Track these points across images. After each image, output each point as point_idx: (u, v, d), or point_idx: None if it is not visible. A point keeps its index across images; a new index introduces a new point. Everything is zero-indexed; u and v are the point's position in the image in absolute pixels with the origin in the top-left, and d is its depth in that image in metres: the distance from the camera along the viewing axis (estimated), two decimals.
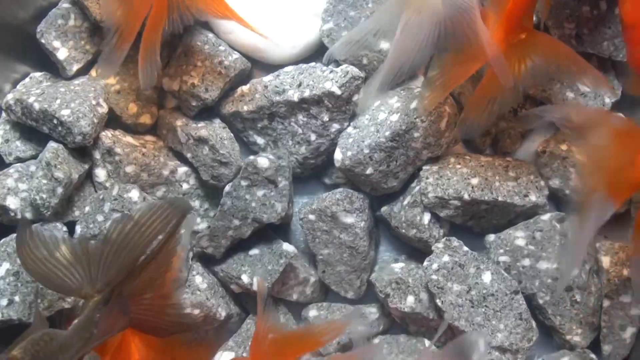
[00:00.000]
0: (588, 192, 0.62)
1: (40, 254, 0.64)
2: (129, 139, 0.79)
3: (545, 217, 0.75)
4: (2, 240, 0.75)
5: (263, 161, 0.75)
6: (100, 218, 0.74)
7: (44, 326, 0.64)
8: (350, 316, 0.76)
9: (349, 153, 0.75)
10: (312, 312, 0.77)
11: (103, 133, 0.77)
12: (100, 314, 0.60)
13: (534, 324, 0.72)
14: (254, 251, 0.76)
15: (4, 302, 0.72)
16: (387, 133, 0.74)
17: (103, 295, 0.61)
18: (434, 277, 0.72)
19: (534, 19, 0.77)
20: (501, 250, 0.74)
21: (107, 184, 0.77)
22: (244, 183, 0.75)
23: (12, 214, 0.74)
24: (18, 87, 0.80)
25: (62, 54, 0.80)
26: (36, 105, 0.75)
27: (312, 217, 0.76)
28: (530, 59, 0.67)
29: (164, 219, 0.65)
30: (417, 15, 0.63)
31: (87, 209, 0.75)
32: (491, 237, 0.76)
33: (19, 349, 0.57)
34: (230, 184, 0.76)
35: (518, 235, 0.74)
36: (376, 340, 0.76)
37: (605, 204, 0.61)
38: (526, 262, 0.74)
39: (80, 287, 0.62)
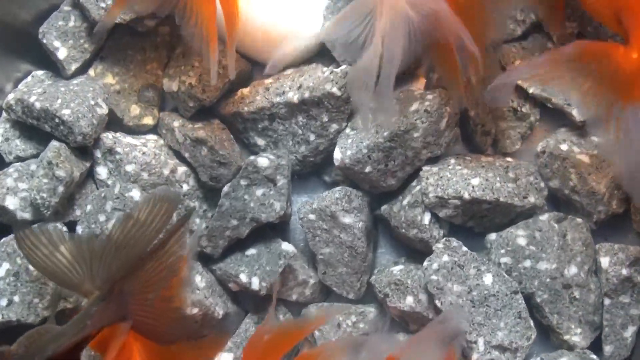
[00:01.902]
0: (607, 110, 0.63)
1: (45, 251, 0.65)
2: (129, 139, 0.79)
3: (544, 217, 0.75)
4: (2, 240, 0.75)
5: (263, 160, 0.75)
6: (102, 218, 0.74)
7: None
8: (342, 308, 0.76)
9: (348, 152, 0.75)
10: (311, 312, 0.77)
11: (104, 134, 0.78)
12: (97, 307, 0.61)
13: (531, 322, 0.72)
14: (252, 251, 0.77)
15: (4, 302, 0.72)
16: (386, 133, 0.74)
17: (102, 291, 0.62)
18: (434, 277, 0.72)
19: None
20: (502, 251, 0.74)
21: (109, 182, 0.77)
22: (243, 183, 0.75)
23: (12, 214, 0.74)
24: (20, 86, 0.80)
25: (62, 53, 0.80)
26: (37, 105, 0.75)
27: (312, 216, 0.76)
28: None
29: (162, 212, 0.65)
30: (392, 24, 0.64)
31: (88, 207, 0.75)
32: (492, 237, 0.76)
33: (15, 344, 0.57)
34: (229, 184, 0.76)
35: (519, 234, 0.74)
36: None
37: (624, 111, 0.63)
38: (527, 263, 0.74)
39: (81, 283, 0.63)
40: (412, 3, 0.64)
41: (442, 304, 0.72)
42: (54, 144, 0.75)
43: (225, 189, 0.76)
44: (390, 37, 0.64)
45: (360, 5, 0.66)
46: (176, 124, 0.79)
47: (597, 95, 0.63)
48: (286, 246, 0.76)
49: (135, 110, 0.81)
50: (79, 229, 0.75)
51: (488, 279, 0.72)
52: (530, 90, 0.78)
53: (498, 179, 0.75)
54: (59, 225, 0.75)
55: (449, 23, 0.64)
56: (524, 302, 0.72)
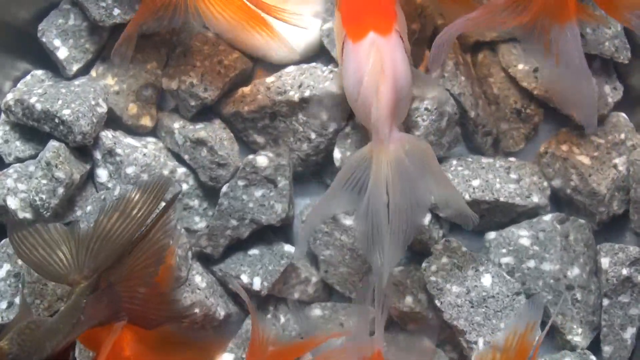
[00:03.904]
0: (544, 31, 0.68)
1: (33, 241, 0.65)
2: (129, 139, 0.79)
3: (547, 217, 0.75)
4: (2, 241, 0.74)
5: (262, 160, 0.75)
6: None
7: (29, 315, 0.64)
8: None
9: (348, 153, 0.75)
10: (315, 312, 0.76)
11: (103, 133, 0.77)
12: (87, 300, 0.60)
13: None
14: (254, 251, 0.76)
15: (4, 304, 0.71)
16: None
17: (90, 282, 0.61)
18: (433, 278, 0.72)
19: None
20: (503, 250, 0.75)
21: (109, 185, 0.77)
22: (241, 183, 0.75)
23: (12, 215, 0.74)
24: (19, 85, 0.80)
25: (62, 53, 0.79)
26: (38, 106, 0.75)
27: None
28: None
29: (151, 199, 0.65)
30: (391, 172, 0.64)
31: (89, 208, 0.75)
32: (491, 235, 0.76)
33: (6, 340, 0.56)
34: (227, 184, 0.76)
35: (522, 235, 0.75)
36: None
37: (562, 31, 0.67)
38: (531, 263, 0.74)
39: (67, 273, 0.63)
40: (406, 152, 0.64)
41: (441, 303, 0.72)
42: (53, 144, 0.75)
43: (224, 189, 0.75)
44: (395, 185, 0.63)
45: (356, 161, 0.66)
46: (176, 125, 0.79)
47: (536, 25, 0.67)
48: (289, 248, 0.76)
49: (133, 109, 0.80)
50: None
51: (487, 280, 0.72)
52: (535, 92, 0.78)
53: (498, 180, 0.75)
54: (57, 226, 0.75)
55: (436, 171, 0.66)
56: None
